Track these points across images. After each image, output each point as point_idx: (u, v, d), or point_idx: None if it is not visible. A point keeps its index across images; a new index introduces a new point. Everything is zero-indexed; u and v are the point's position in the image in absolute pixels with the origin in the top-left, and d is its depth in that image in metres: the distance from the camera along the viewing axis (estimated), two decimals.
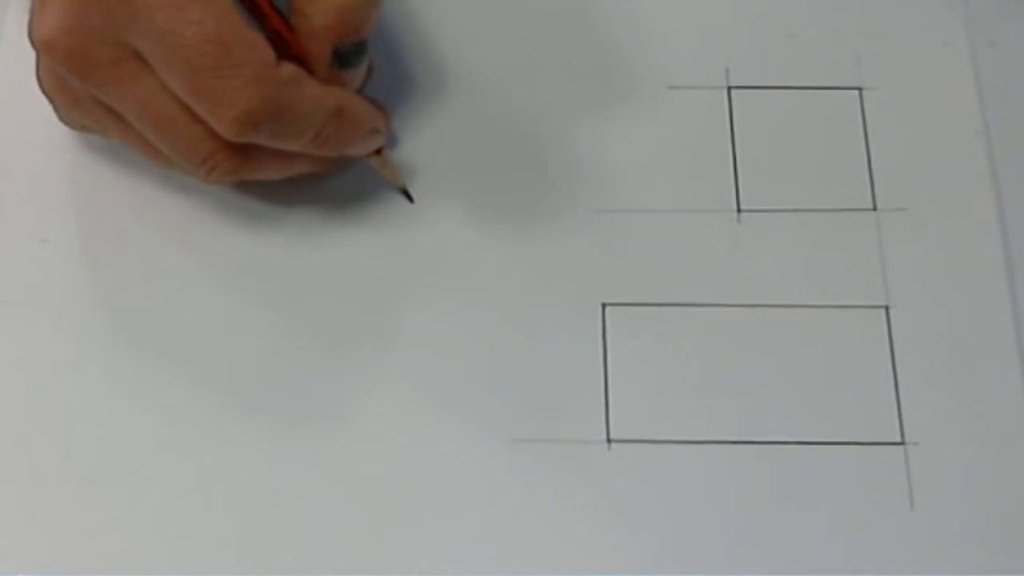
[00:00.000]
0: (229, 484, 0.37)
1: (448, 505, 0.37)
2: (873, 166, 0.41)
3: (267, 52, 0.35)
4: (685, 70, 0.43)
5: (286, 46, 0.36)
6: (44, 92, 0.38)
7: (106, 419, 0.38)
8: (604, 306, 0.39)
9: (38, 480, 0.37)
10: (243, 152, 0.36)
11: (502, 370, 0.38)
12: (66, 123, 0.39)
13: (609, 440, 0.37)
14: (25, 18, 0.36)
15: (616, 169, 0.41)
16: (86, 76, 0.35)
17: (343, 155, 0.38)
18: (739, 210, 0.41)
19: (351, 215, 0.40)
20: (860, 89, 0.42)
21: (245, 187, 0.40)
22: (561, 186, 0.41)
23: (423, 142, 0.41)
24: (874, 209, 0.41)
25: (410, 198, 0.41)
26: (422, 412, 0.38)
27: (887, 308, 0.39)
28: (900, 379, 0.38)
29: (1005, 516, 0.36)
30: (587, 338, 0.39)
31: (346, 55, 0.36)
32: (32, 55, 0.37)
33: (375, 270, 0.40)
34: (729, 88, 0.42)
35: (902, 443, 0.37)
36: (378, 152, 0.39)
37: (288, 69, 0.35)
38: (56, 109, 0.39)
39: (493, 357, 0.38)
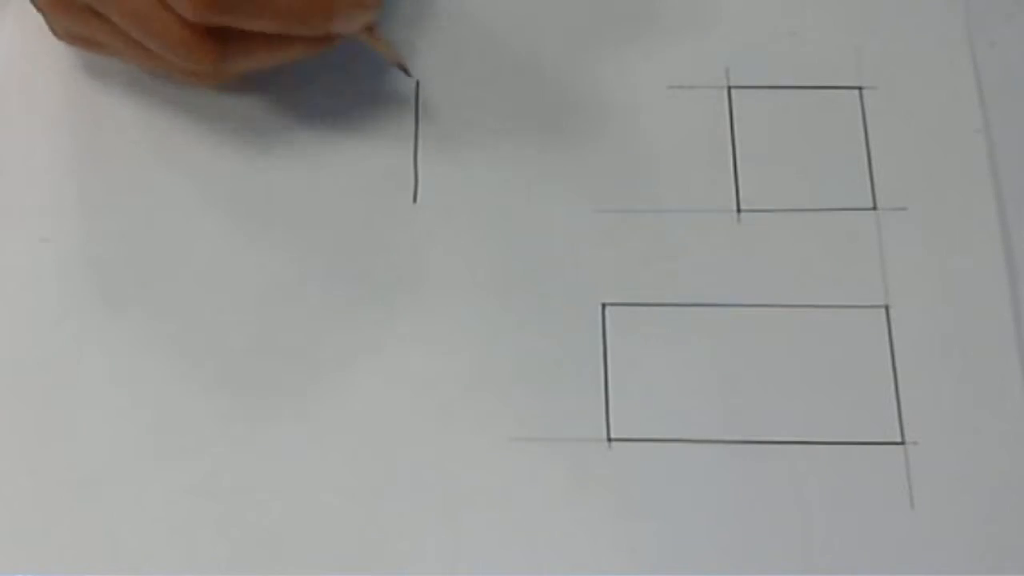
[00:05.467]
0: (228, 484, 0.37)
1: (448, 504, 0.37)
2: (873, 165, 0.41)
3: None
4: (685, 70, 0.43)
5: None
6: (37, 7, 0.39)
7: (106, 418, 0.38)
8: (604, 306, 0.39)
9: (38, 480, 0.37)
10: (222, 38, 0.37)
11: (502, 369, 0.38)
12: (61, 36, 0.40)
13: (610, 439, 0.37)
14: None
15: (616, 169, 0.41)
16: None
17: (333, 32, 0.38)
18: (739, 210, 0.41)
19: (353, 215, 0.40)
20: (860, 88, 0.42)
21: (250, 177, 0.40)
22: (561, 186, 0.41)
23: (425, 145, 0.41)
24: (874, 209, 0.41)
25: (408, 72, 0.41)
26: (421, 411, 0.38)
27: (887, 308, 0.39)
28: (900, 379, 0.38)
29: (1005, 516, 0.36)
30: (587, 338, 0.39)
31: None
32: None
33: (374, 270, 0.40)
34: (729, 88, 0.42)
35: (902, 443, 0.37)
36: (370, 30, 0.39)
37: None
38: (50, 23, 0.39)
39: (493, 356, 0.38)
